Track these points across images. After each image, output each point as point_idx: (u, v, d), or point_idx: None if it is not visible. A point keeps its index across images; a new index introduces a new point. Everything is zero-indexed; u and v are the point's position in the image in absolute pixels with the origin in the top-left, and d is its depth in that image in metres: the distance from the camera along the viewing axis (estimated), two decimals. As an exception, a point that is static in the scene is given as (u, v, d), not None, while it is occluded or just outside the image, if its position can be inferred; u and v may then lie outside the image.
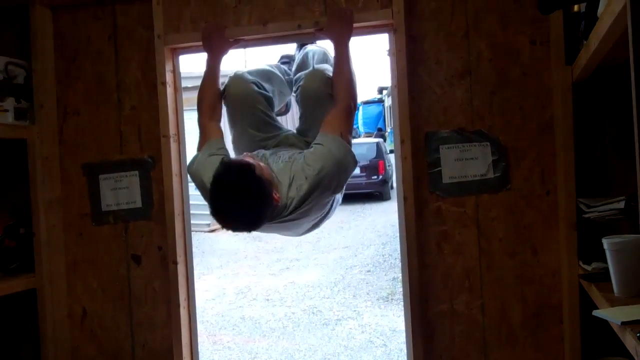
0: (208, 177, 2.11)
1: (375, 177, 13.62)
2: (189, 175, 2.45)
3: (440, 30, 2.56)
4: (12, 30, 2.89)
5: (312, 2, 2.62)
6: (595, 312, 1.72)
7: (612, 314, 1.62)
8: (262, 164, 2.12)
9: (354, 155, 2.26)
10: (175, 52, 2.77)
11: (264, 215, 2.06)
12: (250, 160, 2.08)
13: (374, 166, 13.68)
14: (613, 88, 2.34)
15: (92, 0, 2.82)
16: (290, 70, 2.82)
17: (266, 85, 2.59)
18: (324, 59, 2.68)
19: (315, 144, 2.23)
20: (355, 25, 2.49)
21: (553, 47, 2.43)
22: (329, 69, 2.54)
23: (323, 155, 2.18)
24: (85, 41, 2.86)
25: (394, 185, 8.45)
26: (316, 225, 2.51)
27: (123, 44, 2.82)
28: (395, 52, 2.52)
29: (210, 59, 2.55)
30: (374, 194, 13.66)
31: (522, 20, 2.49)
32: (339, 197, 2.50)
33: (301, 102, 2.55)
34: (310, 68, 2.64)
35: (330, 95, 2.39)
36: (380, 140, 15.72)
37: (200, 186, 2.27)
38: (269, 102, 2.57)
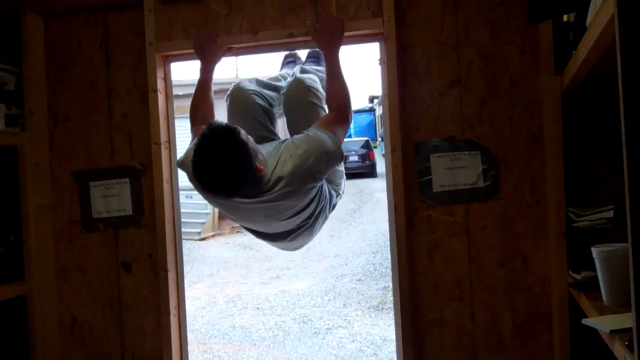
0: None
1: (368, 162, 20.05)
2: (179, 169, 2.45)
3: (431, 40, 2.57)
4: (3, 36, 2.88)
5: (304, 11, 2.64)
6: (585, 321, 1.73)
7: (602, 323, 1.63)
8: (249, 136, 2.13)
9: (342, 151, 2.27)
10: (167, 60, 2.78)
11: (245, 180, 2.06)
12: (235, 126, 2.10)
13: (366, 155, 20.12)
14: (602, 97, 2.36)
15: (84, 8, 2.82)
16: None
17: (272, 94, 2.63)
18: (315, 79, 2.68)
19: (306, 131, 2.25)
20: (346, 34, 2.50)
21: (542, 56, 2.45)
22: (312, 78, 2.56)
23: (311, 140, 2.19)
24: (77, 48, 2.85)
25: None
26: (300, 233, 2.47)
27: (114, 51, 2.82)
28: (385, 61, 2.53)
29: (203, 67, 2.56)
30: (365, 173, 19.72)
31: (511, 30, 2.52)
32: (327, 211, 2.50)
33: (284, 109, 2.59)
34: (292, 77, 2.65)
35: (312, 103, 2.44)
36: (367, 138, 22.04)
37: (188, 172, 2.24)
38: (268, 114, 2.60)
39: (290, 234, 2.47)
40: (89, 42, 2.84)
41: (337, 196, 2.59)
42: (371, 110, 33.81)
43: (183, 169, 2.32)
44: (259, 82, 2.69)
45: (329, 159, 2.22)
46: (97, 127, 2.84)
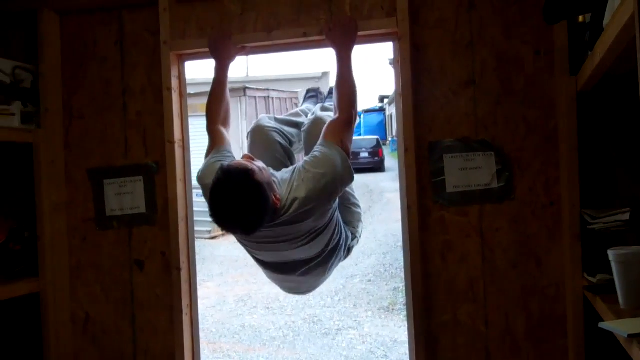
0: (210, 182, 2.11)
1: (377, 158, 22.00)
2: (199, 185, 2.45)
3: (445, 40, 2.56)
4: (20, 34, 2.90)
5: (318, 10, 2.64)
6: (602, 324, 1.72)
7: (619, 326, 1.62)
8: (261, 165, 2.12)
9: (352, 169, 2.25)
10: (181, 58, 2.79)
11: (263, 219, 2.05)
12: (249, 164, 2.08)
13: (376, 151, 22.06)
14: (618, 97, 2.34)
15: (100, 6, 2.84)
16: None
17: (292, 131, 2.69)
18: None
19: (317, 150, 2.23)
20: (359, 33, 2.50)
21: (557, 57, 2.43)
22: (331, 116, 2.58)
23: (321, 162, 2.17)
24: (92, 46, 2.87)
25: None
26: (312, 267, 2.42)
27: (129, 49, 2.84)
28: (399, 61, 2.53)
29: (218, 66, 2.57)
30: (374, 168, 21.50)
31: (526, 30, 2.50)
32: (342, 251, 2.48)
33: (304, 147, 2.62)
34: (313, 115, 2.69)
35: None
36: (378, 137, 23.61)
37: (205, 194, 2.25)
38: (287, 152, 2.66)
39: (303, 265, 2.40)
40: (105, 40, 2.86)
41: (353, 239, 2.59)
42: (381, 110, 33.84)
43: (200, 185, 2.33)
44: (279, 120, 2.75)
45: (342, 180, 2.21)
46: (112, 125, 2.85)
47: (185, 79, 2.81)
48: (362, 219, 2.72)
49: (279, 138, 2.67)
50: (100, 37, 2.86)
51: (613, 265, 1.87)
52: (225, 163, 2.14)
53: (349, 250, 2.57)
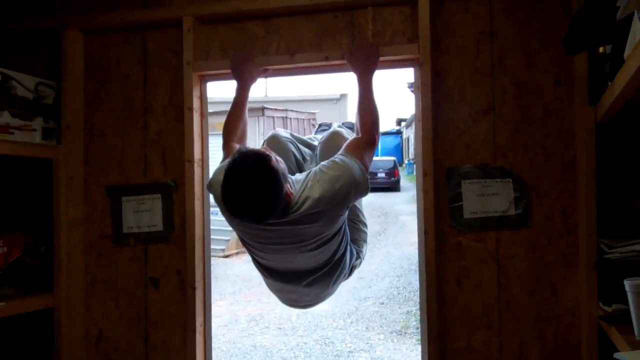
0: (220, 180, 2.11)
1: (393, 178, 23.30)
2: (209, 191, 2.45)
3: (466, 67, 2.57)
4: (44, 51, 2.95)
5: (340, 34, 2.67)
6: (617, 355, 1.70)
7: (634, 357, 1.61)
8: (277, 157, 2.14)
9: (368, 183, 2.26)
10: (203, 79, 2.82)
11: (274, 206, 2.05)
12: (266, 151, 2.11)
13: (392, 172, 23.31)
14: (637, 128, 2.34)
15: (123, 26, 2.88)
16: None
17: (305, 150, 2.71)
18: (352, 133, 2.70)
19: (336, 157, 2.25)
20: (381, 58, 2.52)
21: (577, 87, 2.43)
22: (349, 132, 2.62)
23: (340, 166, 2.19)
24: (115, 65, 2.91)
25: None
26: (318, 278, 2.39)
27: (152, 68, 2.87)
28: (420, 87, 2.54)
29: (239, 87, 2.60)
30: (391, 187, 22.82)
31: (546, 59, 2.51)
32: (347, 267, 2.47)
33: (320, 157, 2.60)
34: (331, 129, 2.71)
35: None
36: (395, 158, 25.13)
37: (215, 195, 2.25)
38: (299, 165, 2.67)
39: (309, 275, 2.39)
40: (128, 59, 2.90)
41: (357, 259, 2.58)
42: (398, 132, 33.97)
43: (211, 191, 2.33)
44: (294, 137, 2.76)
45: (357, 188, 2.22)
46: (132, 143, 2.88)
47: (206, 99, 2.84)
48: (368, 240, 2.72)
49: (293, 149, 2.68)
50: (123, 55, 2.90)
51: (629, 295, 1.86)
52: (243, 148, 2.15)
53: (351, 270, 2.55)
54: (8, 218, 2.93)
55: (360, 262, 2.64)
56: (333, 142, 2.55)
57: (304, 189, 2.16)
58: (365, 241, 2.68)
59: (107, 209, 2.90)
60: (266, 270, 2.46)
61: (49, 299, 2.77)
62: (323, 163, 2.25)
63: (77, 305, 2.86)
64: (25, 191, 2.94)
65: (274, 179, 2.03)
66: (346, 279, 2.56)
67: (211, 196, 2.73)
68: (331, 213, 2.20)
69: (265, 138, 2.74)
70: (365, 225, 2.69)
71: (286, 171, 2.15)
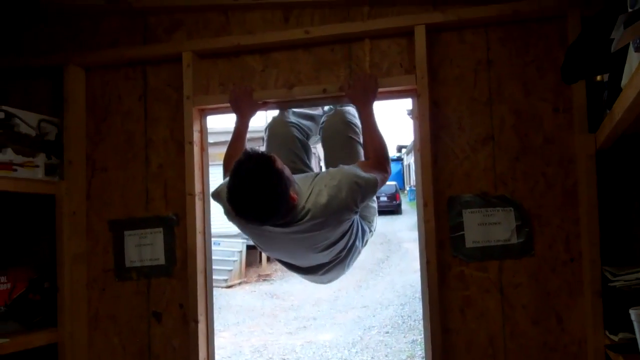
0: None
1: (395, 202, 25.08)
2: (212, 200, 2.49)
3: (463, 96, 2.59)
4: (46, 88, 2.98)
5: (338, 67, 2.69)
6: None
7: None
8: (282, 164, 2.16)
9: (376, 180, 2.29)
10: (203, 113, 2.83)
11: (278, 208, 2.08)
12: (272, 154, 2.14)
13: (393, 196, 25.01)
14: (638, 155, 2.34)
15: (124, 62, 2.91)
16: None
17: (308, 124, 2.75)
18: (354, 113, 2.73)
19: (343, 166, 2.29)
20: (379, 90, 2.54)
21: (576, 114, 2.44)
22: (351, 112, 2.65)
23: (345, 172, 2.23)
24: (117, 100, 2.93)
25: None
26: (332, 267, 2.49)
27: (152, 103, 2.89)
28: (418, 117, 2.55)
29: (239, 121, 2.63)
30: (393, 210, 24.59)
31: (544, 88, 2.52)
32: (360, 246, 2.53)
33: (322, 141, 2.69)
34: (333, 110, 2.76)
35: (351, 138, 2.54)
36: (396, 183, 26.50)
37: (223, 203, 2.29)
38: (305, 147, 2.71)
39: (323, 267, 2.48)
40: (129, 95, 2.92)
41: (369, 232, 2.62)
42: (399, 159, 34.04)
43: (217, 200, 2.37)
44: (296, 113, 2.79)
45: (363, 190, 2.24)
46: (134, 177, 2.89)
47: (206, 133, 2.85)
48: (377, 212, 2.75)
49: (296, 133, 2.71)
50: (124, 91, 2.93)
51: (635, 325, 1.85)
52: (248, 149, 2.18)
53: (364, 243, 2.60)
54: (11, 254, 2.92)
55: (372, 234, 2.68)
56: (337, 117, 2.62)
57: (309, 196, 2.19)
58: (375, 215, 2.70)
59: (109, 244, 2.90)
60: (283, 263, 2.55)
61: (53, 334, 2.76)
62: (331, 169, 2.29)
63: (80, 340, 2.84)
64: (28, 227, 2.95)
65: (278, 178, 2.07)
66: (360, 253, 2.62)
67: (212, 227, 2.76)
68: (338, 219, 2.24)
69: (267, 124, 2.79)
70: (374, 200, 2.68)
71: (292, 176, 2.18)
